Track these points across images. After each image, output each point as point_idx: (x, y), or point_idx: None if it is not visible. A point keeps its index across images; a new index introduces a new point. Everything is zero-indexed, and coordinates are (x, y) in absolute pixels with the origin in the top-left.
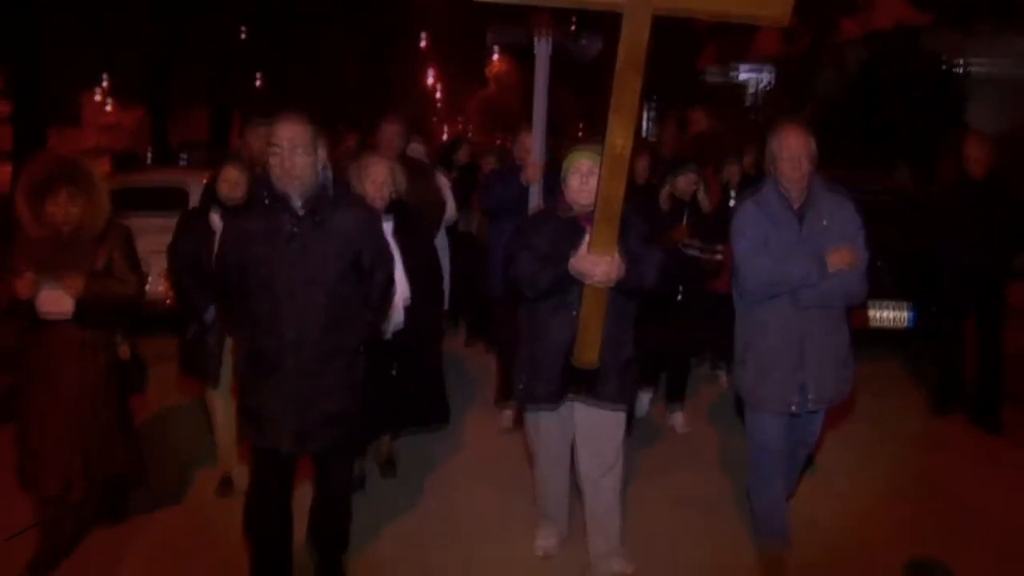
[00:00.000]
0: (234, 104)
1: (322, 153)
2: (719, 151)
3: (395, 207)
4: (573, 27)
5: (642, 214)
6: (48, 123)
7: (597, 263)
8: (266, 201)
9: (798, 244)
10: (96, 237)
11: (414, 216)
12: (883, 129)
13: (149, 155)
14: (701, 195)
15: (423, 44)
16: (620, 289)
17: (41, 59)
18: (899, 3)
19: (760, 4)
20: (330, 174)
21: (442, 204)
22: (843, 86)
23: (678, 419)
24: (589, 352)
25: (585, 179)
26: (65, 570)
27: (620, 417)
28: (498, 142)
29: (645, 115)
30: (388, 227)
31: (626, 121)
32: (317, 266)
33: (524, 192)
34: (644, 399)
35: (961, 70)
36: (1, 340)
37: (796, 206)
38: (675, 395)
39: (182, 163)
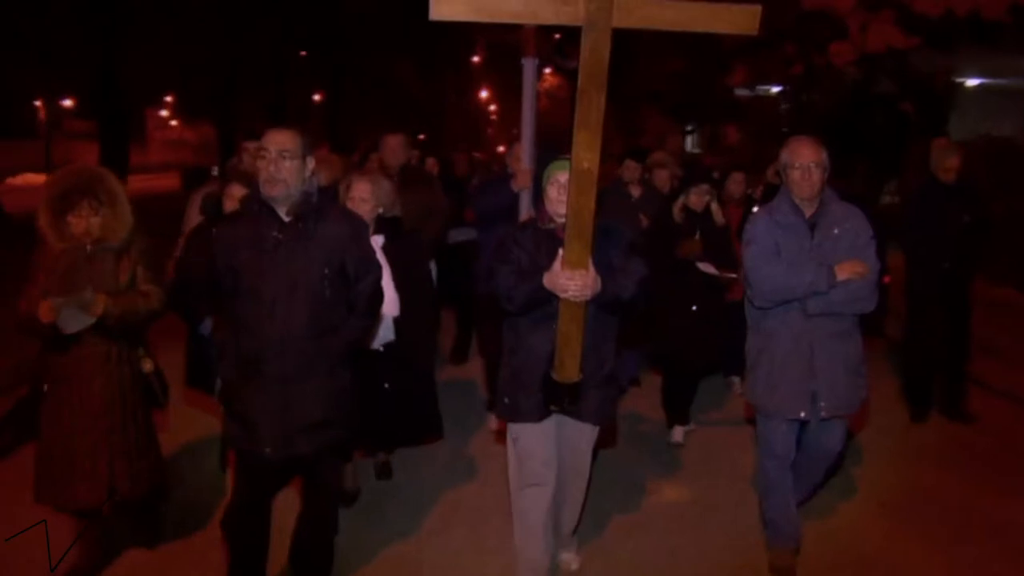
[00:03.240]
0: (294, 120)
1: (311, 163)
2: (748, 163)
3: (386, 224)
4: (556, 37)
5: (660, 226)
6: (129, 139)
7: (571, 278)
8: (255, 208)
9: (809, 253)
10: (119, 250)
11: (407, 232)
12: (872, 142)
13: (216, 170)
14: (715, 208)
15: (476, 60)
16: (597, 303)
17: (117, 77)
18: (890, 28)
19: (727, 19)
20: (317, 183)
21: (444, 212)
22: (836, 103)
23: (677, 432)
24: (569, 367)
25: (562, 190)
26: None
27: (595, 430)
28: (478, 155)
29: (687, 132)
30: (378, 243)
31: (591, 137)
32: (302, 273)
33: (515, 199)
34: (679, 432)
35: (946, 86)
36: (20, 352)
37: (808, 215)
38: (680, 412)
39: None
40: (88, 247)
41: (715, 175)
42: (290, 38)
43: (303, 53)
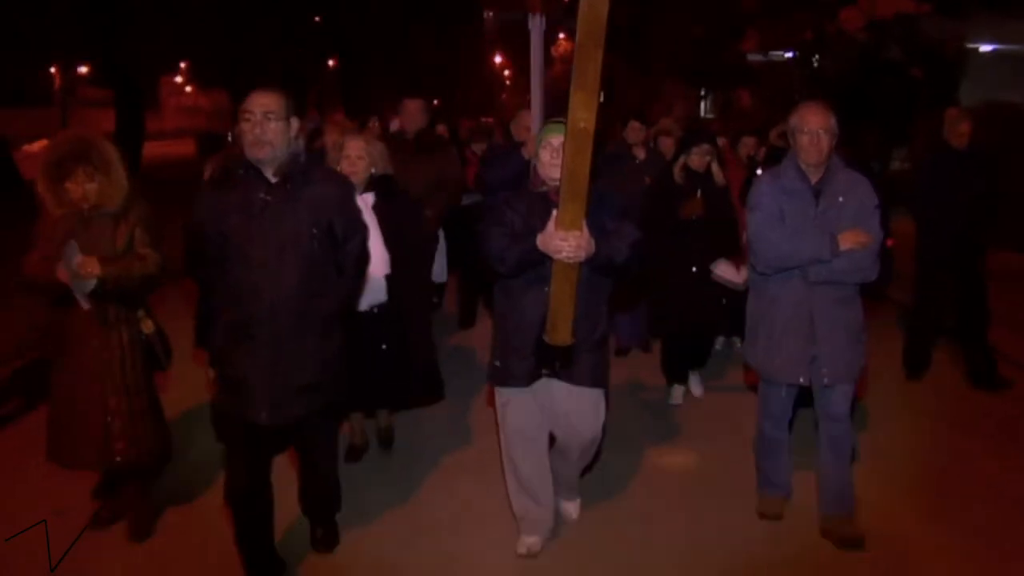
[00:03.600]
0: (309, 86)
1: (295, 124)
2: (760, 125)
3: (377, 183)
4: (566, 1)
5: (661, 187)
6: (144, 106)
7: (565, 239)
8: (240, 172)
9: (813, 220)
10: (115, 214)
11: (399, 193)
12: (882, 108)
13: (230, 136)
14: (715, 169)
15: (488, 20)
16: (590, 266)
17: (128, 45)
18: None
19: None
20: (303, 144)
21: (460, 180)
22: (846, 69)
23: (695, 381)
24: (561, 330)
25: (556, 153)
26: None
27: (598, 395)
28: (487, 121)
29: (701, 97)
30: (368, 201)
31: (589, 96)
32: (290, 235)
33: (525, 168)
34: (678, 392)
35: (958, 52)
36: (29, 317)
37: (814, 181)
38: (678, 372)
39: None
40: (85, 212)
41: (719, 139)
42: (303, 4)
43: (317, 19)
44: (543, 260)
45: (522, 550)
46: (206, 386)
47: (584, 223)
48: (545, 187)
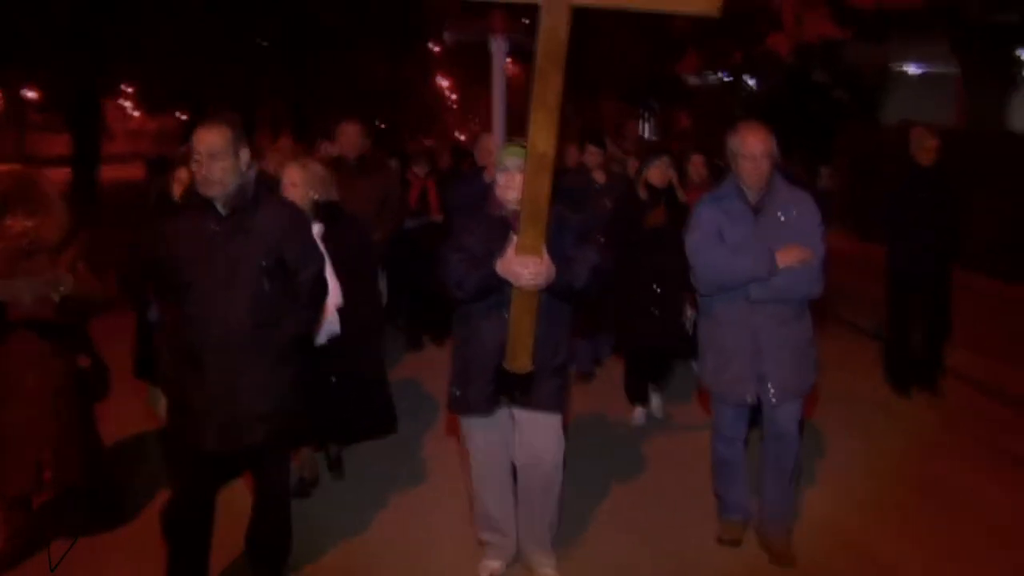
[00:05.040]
0: (259, 110)
1: (244, 155)
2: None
3: (324, 211)
4: (527, 21)
5: (623, 204)
6: (100, 132)
7: (524, 265)
8: (193, 202)
9: (752, 239)
10: (55, 248)
11: (346, 219)
12: (807, 127)
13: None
14: (676, 183)
15: (436, 49)
16: (550, 291)
17: (84, 69)
18: (824, 21)
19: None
20: (253, 174)
21: (400, 203)
22: (775, 91)
23: (638, 414)
24: (521, 356)
25: (512, 177)
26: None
27: (557, 420)
28: (428, 143)
29: (642, 119)
30: (317, 231)
31: (548, 118)
32: (240, 266)
33: (486, 190)
34: (639, 413)
35: (880, 75)
36: None
37: (753, 201)
38: (640, 393)
39: None
40: (25, 247)
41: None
42: (253, 27)
43: (265, 43)
44: (502, 285)
45: (484, 574)
46: (144, 416)
47: (544, 248)
48: (504, 211)
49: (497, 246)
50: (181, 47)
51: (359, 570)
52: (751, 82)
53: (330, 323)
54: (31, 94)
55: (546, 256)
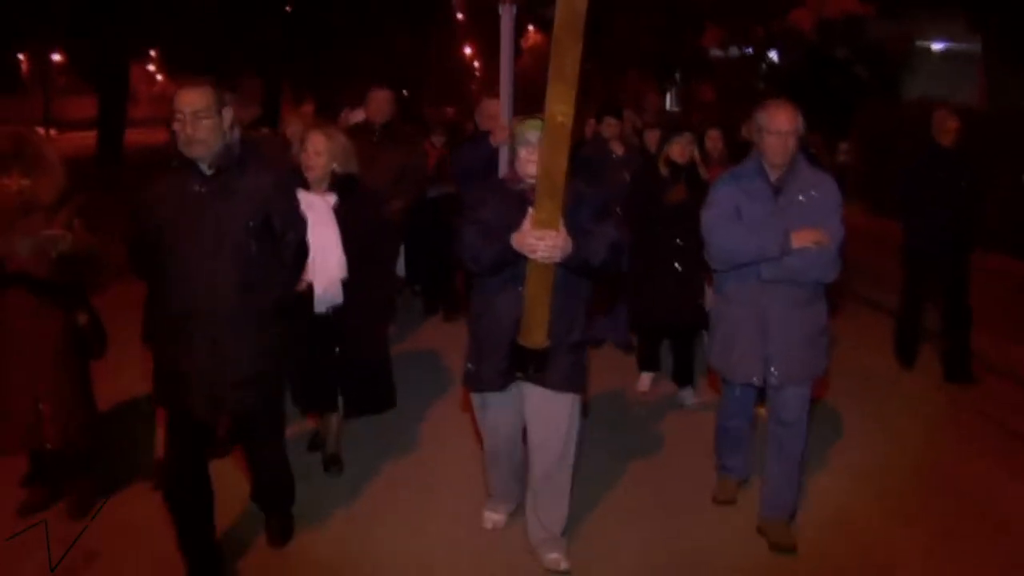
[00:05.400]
0: (284, 76)
1: (227, 115)
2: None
3: (340, 183)
4: None
5: (643, 180)
6: (127, 96)
7: (540, 239)
8: (174, 164)
9: (771, 218)
10: (51, 207)
11: (362, 193)
12: (826, 103)
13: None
14: (698, 159)
15: (460, 17)
16: (567, 266)
17: (110, 32)
18: None
19: None
20: (238, 135)
21: (423, 173)
22: (796, 65)
23: (687, 394)
24: (536, 332)
25: (533, 150)
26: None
27: (571, 400)
28: (449, 111)
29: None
30: (330, 201)
31: (566, 89)
32: (226, 227)
33: (493, 155)
34: (645, 379)
35: (904, 51)
36: None
37: (774, 179)
38: (684, 379)
39: None
40: (21, 205)
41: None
42: None
43: (288, 8)
44: (518, 259)
45: (487, 525)
46: (144, 378)
47: (561, 222)
48: (523, 184)
49: (514, 220)
50: (204, 10)
51: (360, 528)
52: (773, 56)
53: (332, 294)
54: (56, 57)
55: (563, 230)
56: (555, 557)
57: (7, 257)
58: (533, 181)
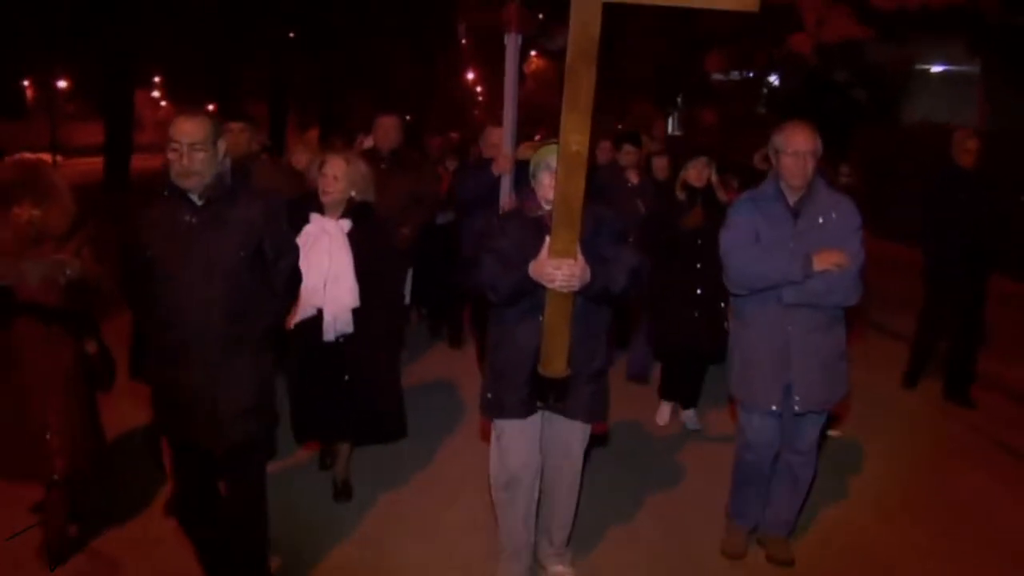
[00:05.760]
0: (290, 102)
1: (222, 145)
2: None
3: (356, 210)
4: (540, 17)
5: (660, 206)
6: (133, 122)
7: (558, 268)
8: (165, 193)
9: (790, 241)
10: (61, 237)
11: (376, 221)
12: (826, 126)
13: None
14: (715, 182)
15: (464, 42)
16: (586, 295)
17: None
18: (845, 21)
19: None
20: (228, 164)
21: (436, 196)
22: (796, 90)
23: (690, 416)
24: (556, 360)
25: (553, 177)
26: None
27: (587, 429)
28: (453, 136)
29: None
30: (344, 227)
31: (581, 118)
32: (217, 257)
33: (496, 184)
34: (665, 409)
35: (902, 74)
36: None
37: (792, 202)
38: (690, 401)
39: None
40: (33, 234)
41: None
42: (282, 17)
43: (291, 34)
44: (536, 289)
45: None
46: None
47: (578, 250)
48: (541, 211)
49: (531, 248)
50: (209, 35)
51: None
52: (774, 80)
53: (343, 323)
54: (62, 83)
55: (580, 258)
56: (561, 570)
57: (17, 286)
58: (551, 207)
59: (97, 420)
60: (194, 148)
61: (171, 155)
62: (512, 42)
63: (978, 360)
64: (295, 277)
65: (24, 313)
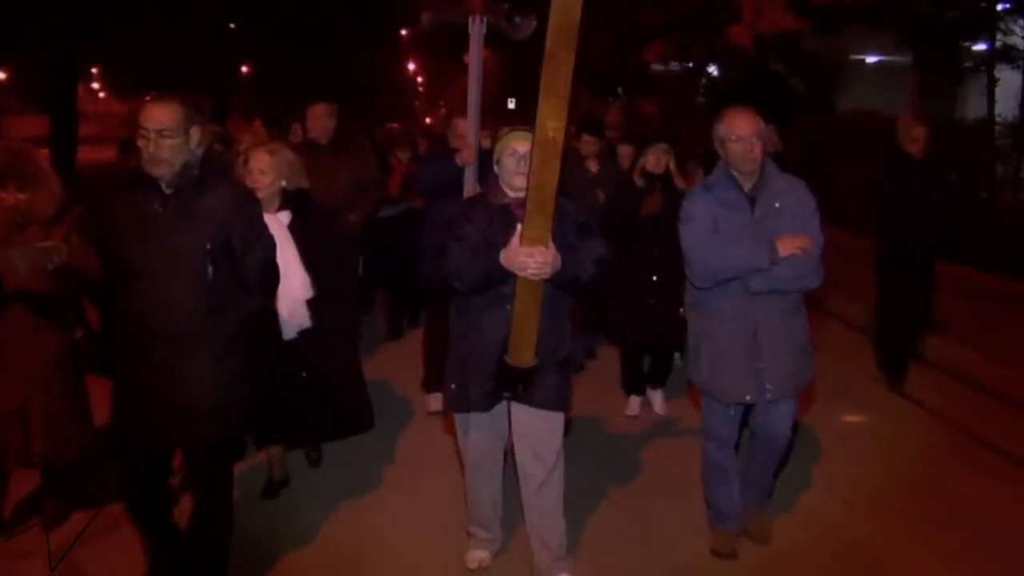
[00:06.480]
0: (228, 94)
1: (195, 134)
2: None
3: (292, 199)
4: (506, 6)
5: (619, 194)
6: (77, 114)
7: (530, 255)
8: (130, 179)
9: (749, 228)
10: (48, 222)
11: (316, 209)
12: (765, 116)
13: None
14: (674, 168)
15: (404, 33)
16: (555, 283)
17: (52, 52)
18: (782, 13)
19: None
20: (200, 153)
21: (381, 184)
22: (735, 80)
23: (657, 397)
24: (524, 350)
25: (521, 162)
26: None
27: (558, 417)
28: (395, 127)
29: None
30: (284, 220)
31: (559, 103)
32: (183, 248)
33: (459, 174)
34: (634, 403)
35: (837, 65)
36: None
37: (747, 189)
38: (657, 381)
39: None
40: (18, 220)
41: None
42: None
43: (232, 25)
44: (506, 277)
45: (472, 564)
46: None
47: (550, 238)
48: (506, 199)
49: (499, 236)
50: (149, 25)
51: (344, 568)
52: (713, 71)
53: (300, 317)
54: (1, 75)
55: (552, 246)
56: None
57: (5, 274)
58: (516, 195)
59: (85, 405)
60: (161, 135)
61: (140, 142)
62: (477, 28)
63: (924, 341)
64: (270, 273)
65: (13, 301)
